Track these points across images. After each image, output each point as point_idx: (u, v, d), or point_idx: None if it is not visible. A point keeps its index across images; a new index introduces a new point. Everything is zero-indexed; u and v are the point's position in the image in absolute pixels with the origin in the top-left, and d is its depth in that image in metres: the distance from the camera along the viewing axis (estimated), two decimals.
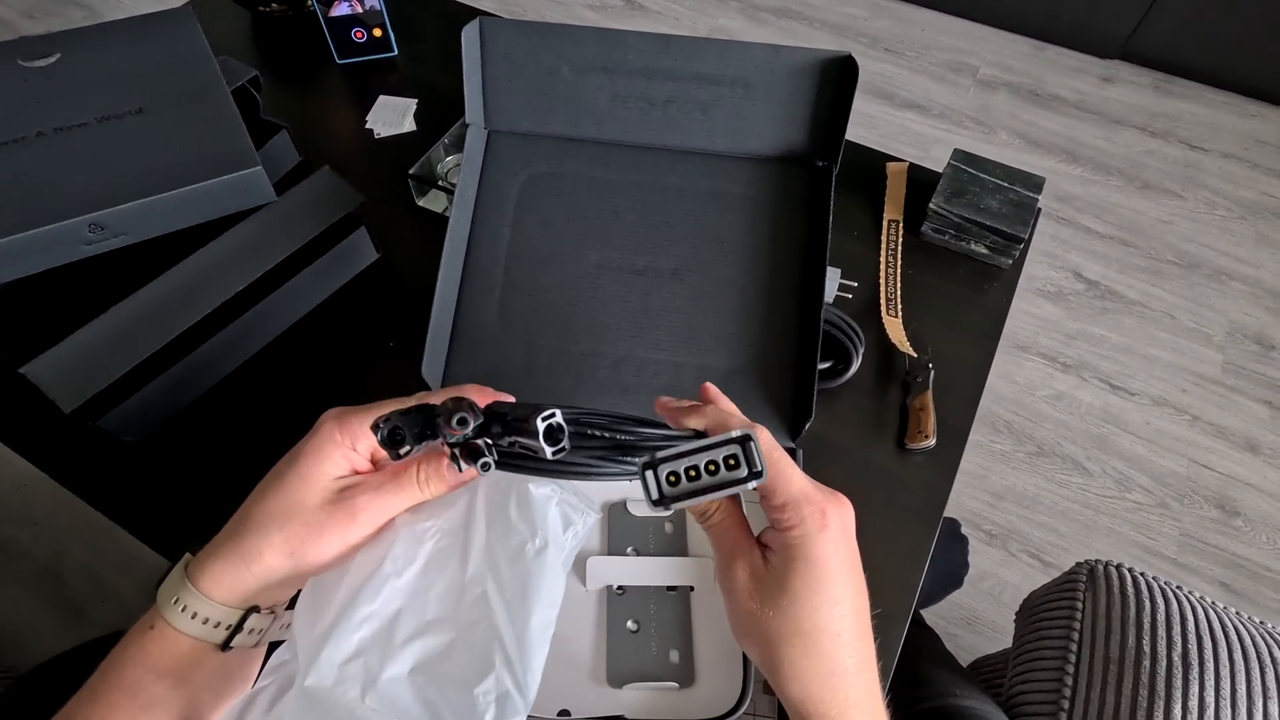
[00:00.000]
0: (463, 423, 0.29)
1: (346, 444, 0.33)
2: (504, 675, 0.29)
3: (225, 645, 0.32)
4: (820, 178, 0.57)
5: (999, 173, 0.71)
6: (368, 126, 0.80)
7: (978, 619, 1.09)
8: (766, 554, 0.33)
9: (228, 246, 0.54)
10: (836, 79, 0.54)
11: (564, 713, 0.41)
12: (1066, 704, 0.58)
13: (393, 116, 0.81)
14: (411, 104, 0.82)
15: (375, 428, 0.30)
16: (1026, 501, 1.20)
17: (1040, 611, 0.68)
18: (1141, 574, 0.64)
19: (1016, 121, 1.71)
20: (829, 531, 0.31)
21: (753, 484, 0.30)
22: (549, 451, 0.29)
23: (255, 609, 0.32)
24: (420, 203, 0.72)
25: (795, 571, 0.30)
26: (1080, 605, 0.63)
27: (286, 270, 0.57)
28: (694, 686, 0.43)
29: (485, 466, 0.30)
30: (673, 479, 0.30)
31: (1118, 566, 0.64)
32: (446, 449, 0.31)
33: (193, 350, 0.54)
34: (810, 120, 0.55)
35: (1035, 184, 0.70)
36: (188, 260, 0.53)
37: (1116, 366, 1.34)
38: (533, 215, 0.55)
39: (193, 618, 0.31)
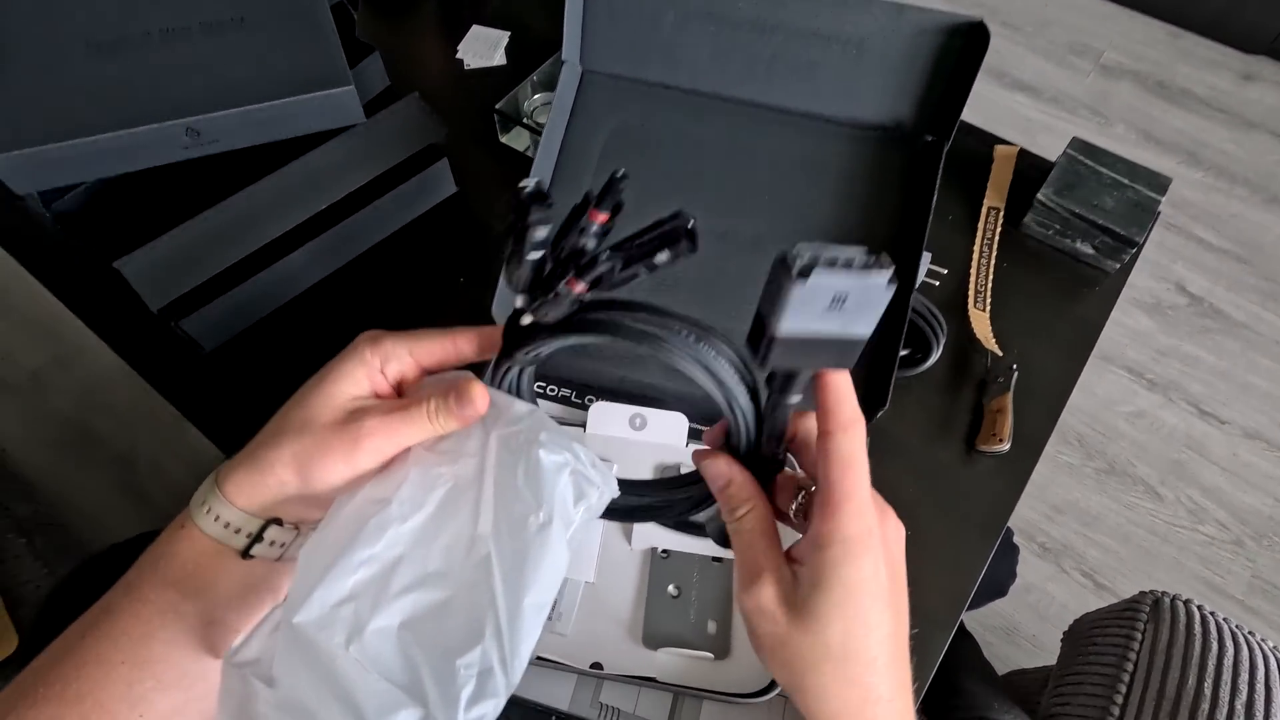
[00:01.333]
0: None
1: (375, 363, 0.32)
2: (491, 649, 0.27)
3: (245, 553, 0.32)
4: (926, 154, 0.53)
5: (1121, 168, 0.65)
6: (458, 56, 0.78)
7: (1017, 630, 1.06)
8: (796, 570, 0.29)
9: (315, 164, 0.54)
10: (961, 47, 0.49)
11: (596, 665, 0.42)
12: None
13: (483, 48, 0.79)
14: (504, 37, 0.80)
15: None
16: (1088, 519, 1.14)
17: (1094, 635, 0.64)
18: (1211, 613, 0.60)
19: (1136, 114, 1.58)
20: (872, 551, 0.28)
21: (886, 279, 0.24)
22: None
23: (277, 521, 0.32)
24: (503, 139, 0.71)
25: (829, 592, 0.28)
26: (1139, 635, 0.60)
27: (367, 194, 0.58)
28: (728, 660, 0.43)
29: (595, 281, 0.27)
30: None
31: (1186, 601, 0.61)
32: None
33: (273, 263, 0.55)
34: (924, 90, 0.51)
35: (1159, 184, 0.64)
36: (276, 174, 0.54)
37: (1209, 390, 1.25)
38: (616, 164, 0.53)
39: (215, 520, 0.31)
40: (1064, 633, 0.70)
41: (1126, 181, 0.64)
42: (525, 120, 0.69)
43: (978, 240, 0.66)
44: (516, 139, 0.71)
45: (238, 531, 0.31)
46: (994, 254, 0.65)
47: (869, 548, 0.28)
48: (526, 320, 0.30)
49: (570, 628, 0.43)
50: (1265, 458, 1.19)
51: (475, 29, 0.81)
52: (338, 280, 0.62)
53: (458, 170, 0.65)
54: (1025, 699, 0.71)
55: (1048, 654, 0.72)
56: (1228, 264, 1.38)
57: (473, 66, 0.78)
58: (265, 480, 0.31)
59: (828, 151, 0.53)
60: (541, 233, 0.28)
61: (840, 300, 0.26)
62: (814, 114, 0.53)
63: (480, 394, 0.31)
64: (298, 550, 0.32)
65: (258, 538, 0.32)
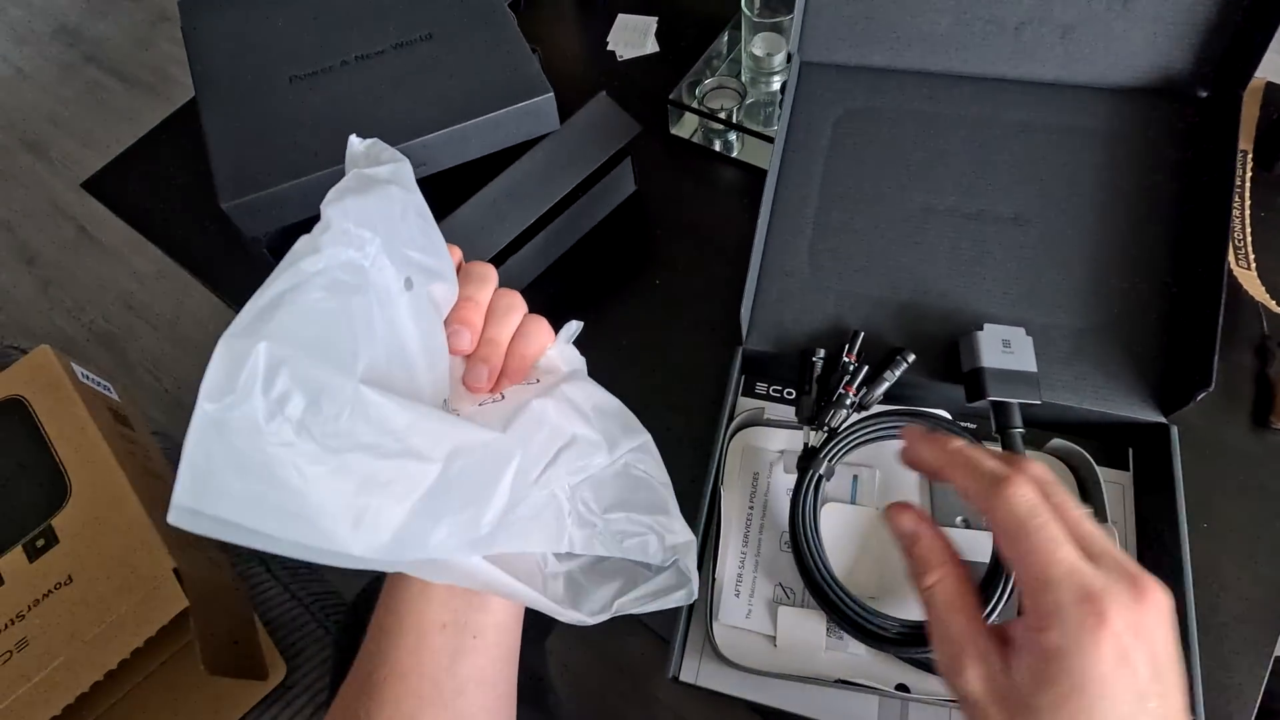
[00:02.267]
0: None
1: None
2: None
3: None
4: (1212, 109, 0.46)
5: None
6: (609, 48, 0.76)
7: None
8: (1011, 656, 0.25)
9: (517, 176, 0.53)
10: None
11: (902, 687, 0.39)
12: None
13: (634, 36, 0.76)
14: (652, 22, 0.77)
15: None
16: None
17: None
18: None
19: None
20: (1106, 640, 0.22)
21: None
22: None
23: None
24: (673, 130, 0.68)
25: (1049, 690, 0.22)
26: None
27: (561, 202, 0.56)
28: None
29: None
30: None
31: None
32: None
33: None
34: (1204, 38, 0.45)
35: None
36: (481, 193, 0.53)
37: None
38: (848, 153, 0.49)
39: None
40: None
41: None
42: (699, 106, 0.66)
43: None
44: (685, 128, 0.68)
45: None
46: (1248, 203, 0.58)
47: (1107, 631, 0.22)
48: (819, 439, 0.43)
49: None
50: None
51: (622, 18, 0.78)
52: (537, 291, 0.60)
53: (634, 167, 0.63)
54: None
55: None
56: None
57: (626, 57, 0.75)
58: None
59: (1091, 118, 0.47)
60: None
61: (1007, 344, 0.42)
62: (1070, 83, 0.48)
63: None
64: None
65: None
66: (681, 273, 0.61)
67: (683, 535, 0.31)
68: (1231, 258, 0.56)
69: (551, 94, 0.53)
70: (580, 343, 0.36)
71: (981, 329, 0.43)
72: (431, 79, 0.54)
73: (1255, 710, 0.41)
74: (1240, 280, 0.54)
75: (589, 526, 0.29)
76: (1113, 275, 0.45)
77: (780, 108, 0.51)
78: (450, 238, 0.52)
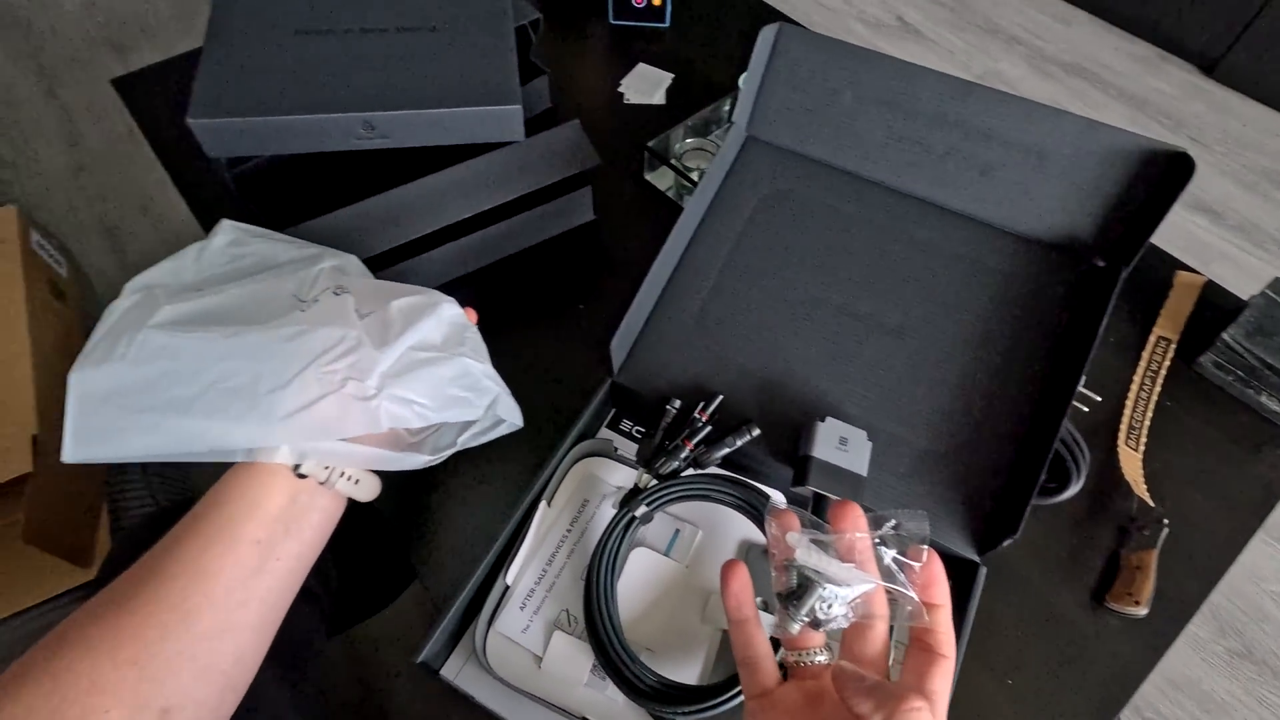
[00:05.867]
0: None
1: None
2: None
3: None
4: (1099, 276, 0.48)
5: None
6: (619, 89, 0.80)
7: None
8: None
9: (471, 172, 0.56)
10: (1160, 176, 0.45)
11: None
12: None
13: (646, 86, 0.81)
14: (667, 78, 0.81)
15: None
16: (1210, 705, 0.99)
17: None
18: None
19: None
20: None
21: None
22: None
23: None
24: (647, 176, 0.71)
25: None
26: None
27: (511, 208, 0.59)
28: None
29: None
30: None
31: None
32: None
33: (414, 256, 0.57)
34: (1107, 212, 0.47)
35: None
36: (433, 176, 0.56)
37: None
38: (763, 229, 0.51)
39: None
40: None
41: None
42: (673, 162, 0.69)
43: (1139, 370, 0.59)
44: (660, 178, 0.71)
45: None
46: (1156, 389, 0.58)
47: None
48: (647, 483, 0.45)
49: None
50: None
51: (641, 67, 0.83)
52: (467, 282, 0.63)
53: (598, 198, 0.66)
54: None
55: None
56: None
57: (632, 102, 0.79)
58: None
59: (990, 254, 0.49)
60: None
61: (844, 442, 0.43)
62: (979, 218, 0.50)
63: None
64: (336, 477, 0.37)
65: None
66: (606, 304, 0.63)
67: (493, 390, 0.41)
68: (1122, 436, 0.56)
69: (519, 106, 0.56)
70: (490, 334, 0.44)
71: (824, 420, 0.44)
72: (418, 64, 0.58)
73: None
74: (1122, 459, 0.54)
75: (407, 405, 0.37)
76: (971, 406, 0.46)
77: (712, 164, 0.54)
78: (389, 212, 0.55)
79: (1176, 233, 1.47)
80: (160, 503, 0.62)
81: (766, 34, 0.50)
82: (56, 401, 0.49)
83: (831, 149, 0.52)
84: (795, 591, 0.31)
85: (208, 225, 0.67)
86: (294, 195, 0.59)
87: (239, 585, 0.32)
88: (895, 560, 0.30)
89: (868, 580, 0.30)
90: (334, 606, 0.54)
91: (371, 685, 0.94)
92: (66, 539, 0.54)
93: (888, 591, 0.30)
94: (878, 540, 0.31)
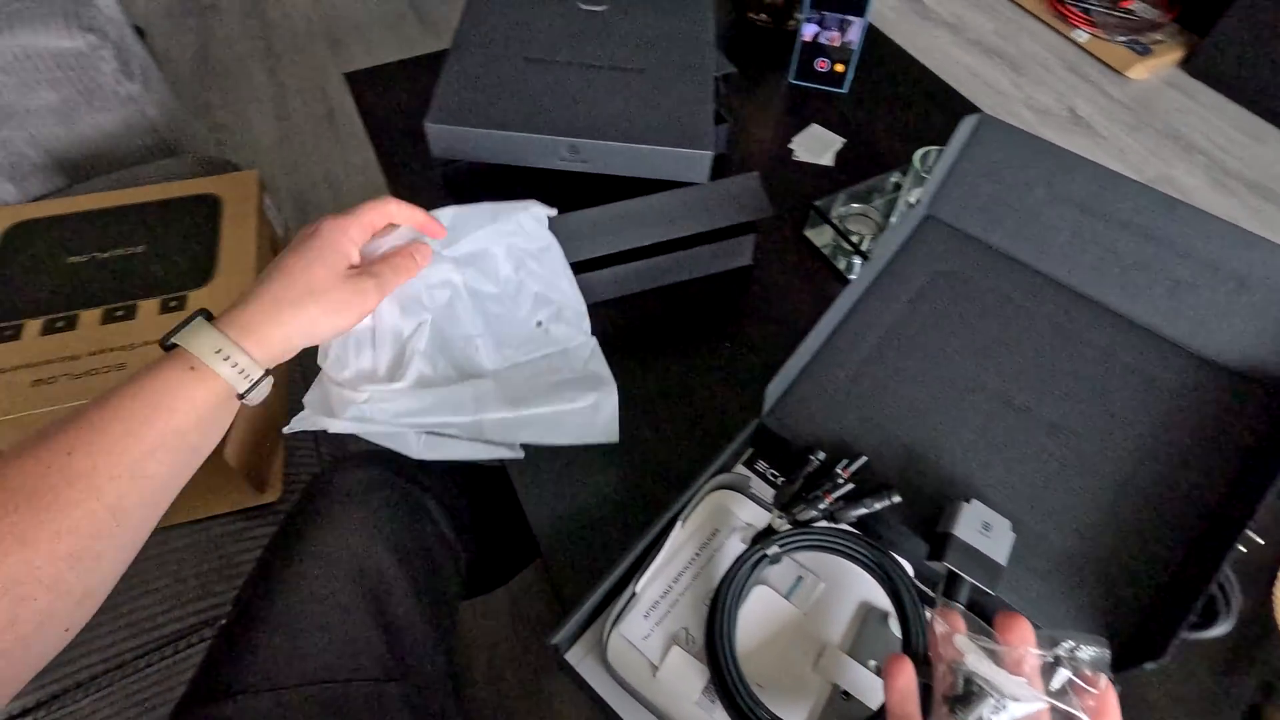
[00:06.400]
0: None
1: (356, 238, 0.45)
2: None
3: (243, 395, 0.38)
4: None
5: None
6: (789, 146, 0.84)
7: None
8: None
9: (652, 205, 0.61)
10: None
11: None
12: None
13: (816, 146, 0.84)
14: (838, 142, 0.84)
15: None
16: None
17: None
18: None
19: None
20: None
21: None
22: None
23: (268, 373, 0.40)
24: (806, 232, 0.74)
25: None
26: None
27: (680, 243, 0.63)
28: None
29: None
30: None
31: None
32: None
33: (586, 271, 0.62)
34: None
35: None
36: (619, 204, 0.61)
37: None
38: (930, 305, 0.53)
39: (233, 367, 0.37)
40: None
41: None
42: (835, 222, 0.72)
43: None
44: (819, 235, 0.74)
45: (245, 377, 0.38)
46: None
47: None
48: (781, 526, 0.46)
49: None
50: None
51: (814, 127, 0.86)
52: (624, 304, 0.67)
53: (758, 246, 0.69)
54: None
55: None
56: None
57: (800, 159, 0.82)
58: (284, 333, 0.39)
59: (1167, 369, 0.48)
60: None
61: (988, 527, 0.44)
62: (1161, 333, 0.49)
63: (438, 228, 0.51)
64: (262, 395, 0.40)
65: (256, 384, 0.39)
66: (752, 348, 0.65)
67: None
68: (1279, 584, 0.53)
69: (710, 153, 0.60)
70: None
71: (969, 501, 0.44)
72: (624, 100, 0.63)
73: None
74: (1277, 608, 0.51)
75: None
76: (1124, 518, 0.45)
77: (887, 233, 0.55)
78: (576, 229, 0.60)
79: None
80: (322, 454, 0.70)
81: (967, 123, 0.52)
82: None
83: (1012, 239, 0.53)
84: (961, 697, 0.31)
85: None
86: (490, 197, 0.65)
87: (155, 466, 0.35)
88: (1070, 682, 0.30)
89: (1040, 699, 0.30)
90: (469, 573, 0.59)
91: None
92: (252, 465, 0.61)
93: (1060, 713, 0.30)
94: (1053, 659, 0.31)
